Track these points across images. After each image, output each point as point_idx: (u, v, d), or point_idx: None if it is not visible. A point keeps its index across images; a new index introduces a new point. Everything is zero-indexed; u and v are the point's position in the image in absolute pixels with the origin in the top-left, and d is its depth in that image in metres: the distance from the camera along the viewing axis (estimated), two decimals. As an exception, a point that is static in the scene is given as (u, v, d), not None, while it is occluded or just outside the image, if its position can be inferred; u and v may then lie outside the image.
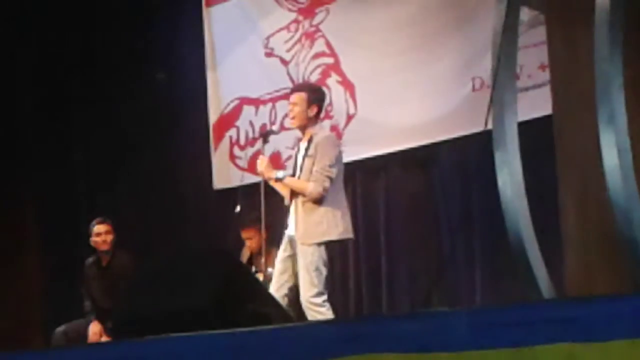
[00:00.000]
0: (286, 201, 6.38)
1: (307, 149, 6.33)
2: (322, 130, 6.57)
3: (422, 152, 7.75)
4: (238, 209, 7.03)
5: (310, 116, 6.40)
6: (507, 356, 2.72)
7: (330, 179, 6.24)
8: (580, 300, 3.00)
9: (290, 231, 6.32)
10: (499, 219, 3.74)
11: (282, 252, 6.35)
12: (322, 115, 6.74)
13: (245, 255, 7.72)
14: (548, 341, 2.68)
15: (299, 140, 6.53)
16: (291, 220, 6.32)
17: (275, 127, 7.32)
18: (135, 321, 3.73)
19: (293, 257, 6.27)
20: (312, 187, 6.22)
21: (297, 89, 6.75)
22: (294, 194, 6.32)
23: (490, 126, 3.78)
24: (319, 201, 6.23)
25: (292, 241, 6.30)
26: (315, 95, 6.51)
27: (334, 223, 6.24)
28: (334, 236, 6.25)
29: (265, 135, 6.91)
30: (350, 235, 6.40)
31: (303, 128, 6.44)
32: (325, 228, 6.21)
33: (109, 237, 7.80)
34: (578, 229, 3.91)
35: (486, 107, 3.81)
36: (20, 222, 9.35)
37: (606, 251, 3.72)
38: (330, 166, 6.25)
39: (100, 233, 7.79)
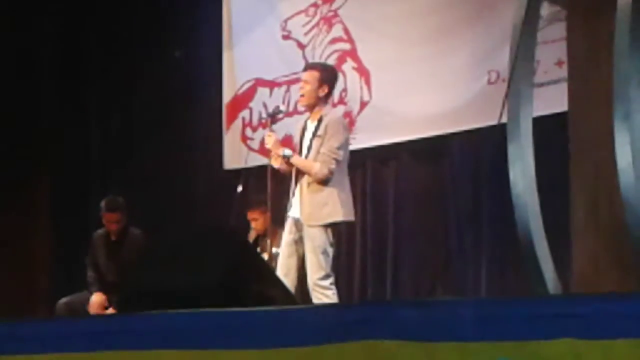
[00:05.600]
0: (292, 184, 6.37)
1: (316, 129, 6.30)
2: (332, 112, 6.55)
3: (434, 142, 7.74)
4: (239, 189, 7.02)
5: (320, 95, 6.35)
6: (510, 349, 2.72)
7: (337, 161, 6.22)
8: (586, 297, 2.99)
9: (294, 213, 6.30)
10: (507, 212, 3.73)
11: (287, 235, 6.33)
12: (336, 98, 6.71)
13: (251, 237, 7.73)
14: (552, 336, 2.67)
15: (307, 119, 6.49)
16: (295, 201, 6.30)
17: (283, 107, 7.27)
18: (141, 296, 3.73)
19: (299, 240, 6.26)
20: (318, 168, 6.20)
21: (310, 67, 6.70)
22: (299, 174, 6.30)
23: (504, 119, 3.77)
24: (324, 182, 6.21)
25: (297, 223, 6.28)
26: (328, 75, 6.45)
27: (339, 204, 6.21)
28: (339, 217, 6.22)
29: (273, 114, 6.89)
30: (352, 217, 6.40)
31: (312, 107, 6.39)
32: (330, 209, 6.19)
33: (116, 226, 7.80)
34: (588, 226, 3.90)
35: (501, 100, 3.80)
36: (33, 194, 9.38)
37: (615, 249, 3.72)
38: (338, 148, 6.23)
39: (111, 222, 7.81)
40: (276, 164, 6.37)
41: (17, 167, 9.05)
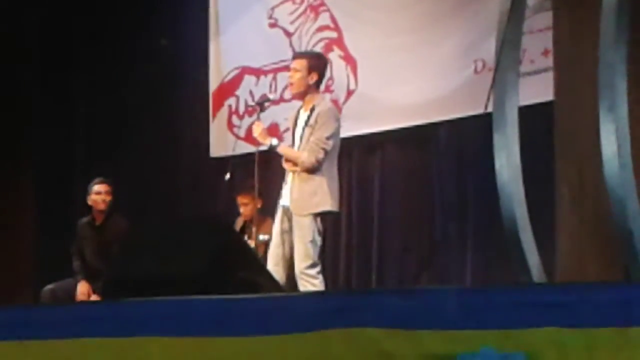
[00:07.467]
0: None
1: (308, 118, 6.29)
2: (324, 101, 6.54)
3: (420, 131, 7.74)
4: (227, 176, 7.03)
5: (310, 83, 6.33)
6: (494, 337, 2.73)
7: (325, 150, 6.20)
8: (570, 286, 3.01)
9: (284, 202, 6.30)
10: (493, 201, 3.74)
11: (278, 224, 6.32)
12: (322, 87, 6.68)
13: (238, 224, 7.72)
14: (536, 325, 2.68)
15: (300, 108, 6.47)
16: (286, 190, 6.30)
17: (272, 95, 7.29)
18: (126, 283, 3.73)
19: (289, 229, 6.25)
20: (304, 157, 6.19)
21: (298, 55, 6.69)
22: (289, 163, 6.30)
23: (490, 109, 3.77)
24: (312, 171, 6.20)
25: (287, 212, 6.28)
26: (316, 63, 6.44)
27: (328, 194, 6.21)
28: (328, 207, 6.22)
29: (261, 102, 6.88)
30: (338, 208, 6.39)
31: (302, 95, 6.37)
32: (319, 199, 6.19)
33: (108, 198, 7.84)
34: (572, 216, 3.91)
35: (487, 89, 3.79)
36: (17, 181, 9.36)
37: (599, 239, 3.73)
38: (328, 138, 6.21)
39: (101, 192, 7.84)
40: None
41: (1, 154, 9.02)
